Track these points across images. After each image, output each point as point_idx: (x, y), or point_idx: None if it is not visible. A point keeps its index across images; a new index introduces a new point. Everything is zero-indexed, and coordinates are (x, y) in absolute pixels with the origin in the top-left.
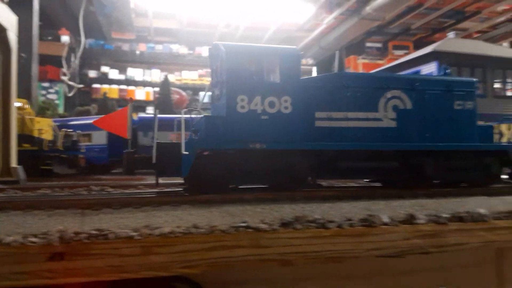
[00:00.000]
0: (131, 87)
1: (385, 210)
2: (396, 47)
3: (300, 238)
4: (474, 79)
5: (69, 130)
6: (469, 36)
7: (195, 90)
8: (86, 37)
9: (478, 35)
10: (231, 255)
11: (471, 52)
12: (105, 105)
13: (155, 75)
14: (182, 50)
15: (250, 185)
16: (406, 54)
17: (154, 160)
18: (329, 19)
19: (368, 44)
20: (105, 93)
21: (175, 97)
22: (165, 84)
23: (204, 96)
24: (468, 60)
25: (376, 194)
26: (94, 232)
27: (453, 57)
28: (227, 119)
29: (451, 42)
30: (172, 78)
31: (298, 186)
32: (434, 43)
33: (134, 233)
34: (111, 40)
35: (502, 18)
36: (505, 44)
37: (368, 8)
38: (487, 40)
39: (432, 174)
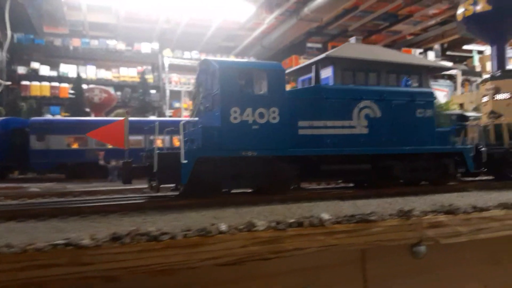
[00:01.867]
0: (63, 84)
1: (232, 217)
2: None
3: (128, 253)
4: (432, 90)
5: None
6: (402, 38)
7: (134, 87)
8: (15, 30)
9: (411, 37)
10: (46, 274)
11: (365, 57)
12: (15, 105)
13: (91, 71)
14: (120, 46)
15: (240, 189)
16: None
17: (155, 169)
18: (269, 19)
19: (309, 45)
20: (15, 90)
21: (103, 96)
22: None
23: (196, 109)
24: (363, 65)
25: (227, 201)
26: None
27: (348, 62)
28: (222, 129)
29: (348, 47)
30: (109, 75)
31: (284, 189)
32: (373, 44)
33: None
34: (43, 34)
35: (433, 22)
36: (436, 46)
37: (306, 9)
38: (419, 42)
39: (398, 175)
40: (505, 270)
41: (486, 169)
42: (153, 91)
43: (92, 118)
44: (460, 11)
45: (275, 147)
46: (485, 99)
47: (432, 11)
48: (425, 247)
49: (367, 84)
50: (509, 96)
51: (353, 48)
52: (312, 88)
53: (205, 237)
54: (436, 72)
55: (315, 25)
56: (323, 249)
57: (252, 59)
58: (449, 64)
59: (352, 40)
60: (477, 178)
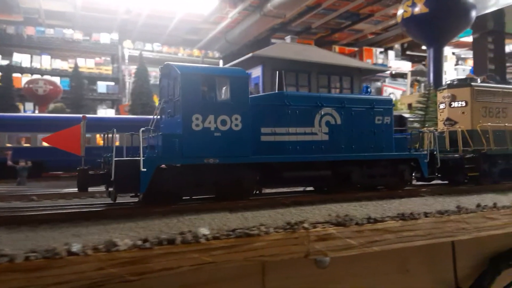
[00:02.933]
0: (16, 74)
1: (96, 234)
2: None
3: None
4: (391, 98)
5: None
6: (364, 37)
7: (91, 79)
8: None
9: (372, 36)
10: None
11: (296, 58)
12: None
13: (46, 61)
14: (77, 35)
15: (202, 196)
16: None
17: (113, 177)
18: (233, 13)
19: (273, 41)
20: None
21: (48, 88)
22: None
23: (156, 116)
24: (294, 66)
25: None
26: None
27: (278, 62)
28: (183, 137)
29: (281, 46)
30: (65, 65)
31: (246, 196)
32: (335, 42)
33: None
34: None
35: (393, 21)
36: (397, 46)
37: (269, 5)
38: (380, 42)
39: (357, 180)
40: (414, 279)
41: (440, 175)
42: (111, 83)
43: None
44: (399, 12)
45: (237, 154)
46: (441, 106)
47: (392, 11)
48: (330, 257)
49: (297, 84)
50: (464, 104)
51: (286, 48)
52: (275, 94)
53: (52, 259)
54: (368, 74)
55: (278, 21)
56: (196, 267)
57: (216, 54)
58: (407, 64)
59: (287, 39)
60: (432, 183)
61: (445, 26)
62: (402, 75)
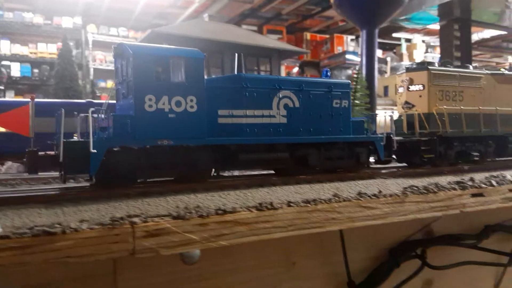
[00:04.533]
0: None
1: None
2: (270, 31)
3: None
4: (349, 82)
5: None
6: (335, 25)
7: (53, 65)
8: None
9: (343, 23)
10: None
11: (205, 36)
12: None
13: (5, 46)
14: (37, 19)
15: (158, 178)
16: (281, 39)
17: (61, 159)
18: None
19: (244, 27)
20: None
21: None
22: None
23: (110, 96)
24: (204, 45)
25: None
26: None
27: (182, 41)
28: (136, 118)
29: (191, 24)
30: (25, 50)
31: (204, 178)
32: (306, 29)
33: None
34: None
35: None
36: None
37: None
38: (351, 29)
39: (314, 163)
40: (301, 272)
41: (396, 157)
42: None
43: None
44: None
45: (193, 136)
46: (400, 90)
47: None
48: (199, 251)
49: (209, 64)
50: (421, 88)
51: (197, 25)
52: (233, 76)
53: None
54: (289, 56)
55: (248, 6)
56: None
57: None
58: (378, 51)
59: (205, 16)
60: (390, 165)
61: (376, 8)
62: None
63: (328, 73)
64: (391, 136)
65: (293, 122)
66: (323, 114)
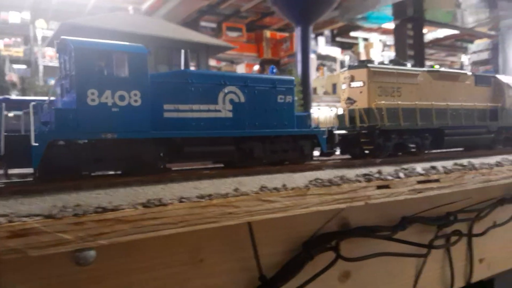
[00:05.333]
0: None
1: None
2: (230, 29)
3: None
4: (293, 78)
5: None
6: (288, 25)
7: None
8: None
9: None
10: None
11: (124, 29)
12: None
13: None
14: None
15: (103, 171)
16: (240, 36)
17: (2, 152)
18: None
19: (203, 24)
20: None
21: None
22: None
23: (53, 91)
24: (120, 38)
25: None
26: None
27: (97, 33)
28: (78, 111)
29: (112, 16)
30: None
31: (149, 171)
32: (266, 27)
33: None
34: None
35: None
36: (327, 32)
37: None
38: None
39: (259, 155)
40: (210, 269)
41: (338, 149)
42: (22, 66)
43: None
44: None
45: (137, 130)
46: (343, 86)
47: None
48: (95, 251)
49: None
50: (362, 85)
51: (118, 18)
52: (178, 72)
53: None
54: (218, 52)
55: (205, 3)
56: None
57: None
58: (337, 50)
59: (130, 9)
60: (334, 157)
61: (309, 5)
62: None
63: (274, 70)
64: (333, 130)
65: (239, 116)
66: (268, 108)
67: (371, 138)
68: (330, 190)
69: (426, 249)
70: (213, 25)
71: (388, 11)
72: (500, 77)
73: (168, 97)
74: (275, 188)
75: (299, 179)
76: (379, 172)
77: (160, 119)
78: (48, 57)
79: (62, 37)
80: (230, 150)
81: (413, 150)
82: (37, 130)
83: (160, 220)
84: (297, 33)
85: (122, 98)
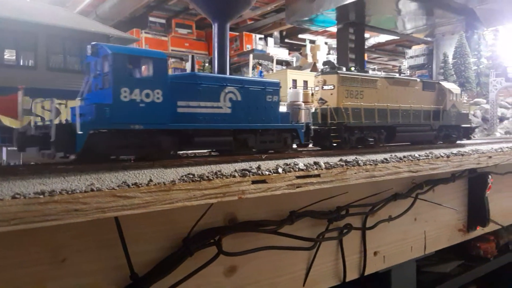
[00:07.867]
0: None
1: None
2: (180, 25)
3: None
4: (278, 81)
5: None
6: (244, 23)
7: None
8: None
9: (252, 22)
10: None
11: (11, 16)
12: None
13: None
14: None
15: (127, 156)
16: (190, 33)
17: (53, 138)
18: None
19: (152, 19)
20: None
21: None
22: None
23: (85, 88)
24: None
25: None
26: None
27: None
28: (113, 106)
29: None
30: None
31: (164, 157)
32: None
33: None
34: None
35: (269, 8)
36: (276, 33)
37: None
38: (259, 28)
39: (252, 145)
40: (75, 268)
41: (313, 142)
42: None
43: None
44: None
45: (158, 122)
46: (316, 88)
47: None
48: None
49: (18, 47)
50: (332, 88)
51: (9, 4)
52: (188, 75)
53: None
54: (121, 43)
55: None
56: None
57: None
58: (285, 51)
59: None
60: (309, 148)
61: (225, 2)
62: (282, 62)
63: (262, 74)
64: (309, 125)
65: (236, 112)
66: (259, 106)
67: (338, 132)
68: (199, 185)
69: (312, 242)
70: (162, 20)
71: (332, 15)
72: (443, 83)
73: (181, 95)
74: (135, 184)
75: (171, 174)
76: (259, 167)
77: (174, 113)
78: None
79: (95, 42)
80: (229, 140)
81: (371, 143)
82: (81, 120)
83: None
84: (214, 30)
85: (147, 95)
